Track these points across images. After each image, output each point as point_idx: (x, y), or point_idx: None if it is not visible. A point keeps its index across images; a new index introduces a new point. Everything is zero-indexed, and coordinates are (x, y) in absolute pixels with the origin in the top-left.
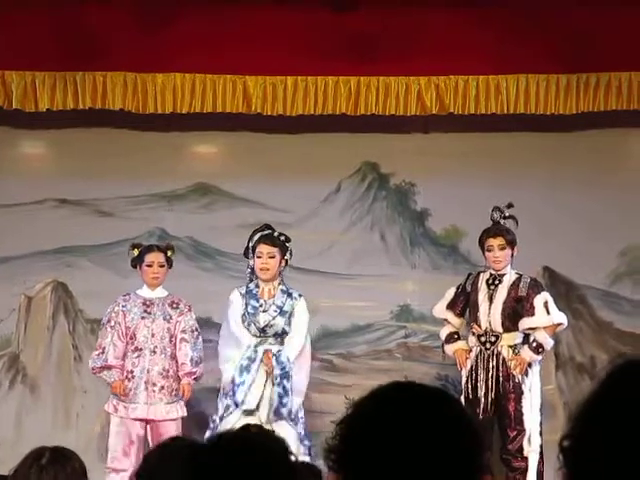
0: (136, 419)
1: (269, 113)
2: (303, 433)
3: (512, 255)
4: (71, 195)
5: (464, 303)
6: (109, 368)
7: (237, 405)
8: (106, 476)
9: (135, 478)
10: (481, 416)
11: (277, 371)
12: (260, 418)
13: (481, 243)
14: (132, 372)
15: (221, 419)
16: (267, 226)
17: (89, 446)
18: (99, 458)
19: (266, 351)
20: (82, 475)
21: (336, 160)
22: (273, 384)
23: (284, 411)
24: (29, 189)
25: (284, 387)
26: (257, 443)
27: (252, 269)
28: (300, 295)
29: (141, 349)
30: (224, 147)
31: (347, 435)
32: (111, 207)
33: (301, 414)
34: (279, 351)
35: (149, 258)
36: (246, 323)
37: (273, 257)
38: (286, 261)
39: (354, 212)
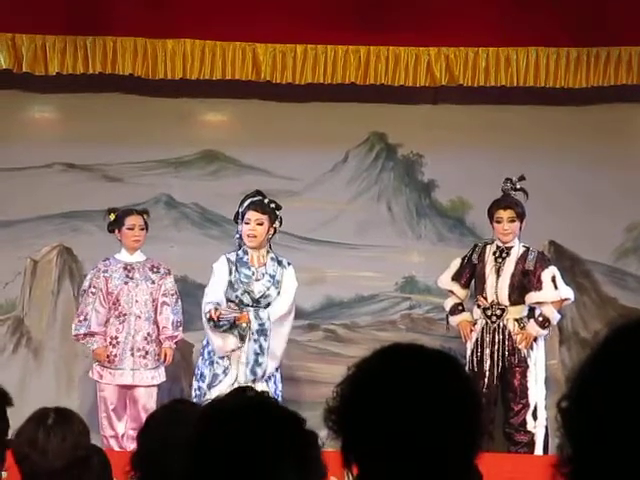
0: (123, 386)
1: (278, 81)
2: None
3: (520, 228)
4: (79, 160)
5: (470, 274)
6: (92, 335)
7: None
8: (102, 441)
9: (138, 440)
10: (485, 390)
11: (255, 326)
12: (238, 378)
13: (490, 214)
14: (116, 338)
15: (210, 387)
16: (258, 192)
17: (92, 411)
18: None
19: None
20: (86, 435)
21: (344, 130)
22: (249, 340)
23: (259, 371)
24: (37, 153)
25: (260, 346)
26: (260, 406)
27: (240, 235)
28: (289, 263)
29: (125, 314)
30: (232, 114)
31: (347, 395)
32: (118, 172)
33: (280, 387)
34: (258, 309)
35: (130, 221)
36: (239, 292)
37: (261, 224)
38: (275, 229)
39: (361, 182)
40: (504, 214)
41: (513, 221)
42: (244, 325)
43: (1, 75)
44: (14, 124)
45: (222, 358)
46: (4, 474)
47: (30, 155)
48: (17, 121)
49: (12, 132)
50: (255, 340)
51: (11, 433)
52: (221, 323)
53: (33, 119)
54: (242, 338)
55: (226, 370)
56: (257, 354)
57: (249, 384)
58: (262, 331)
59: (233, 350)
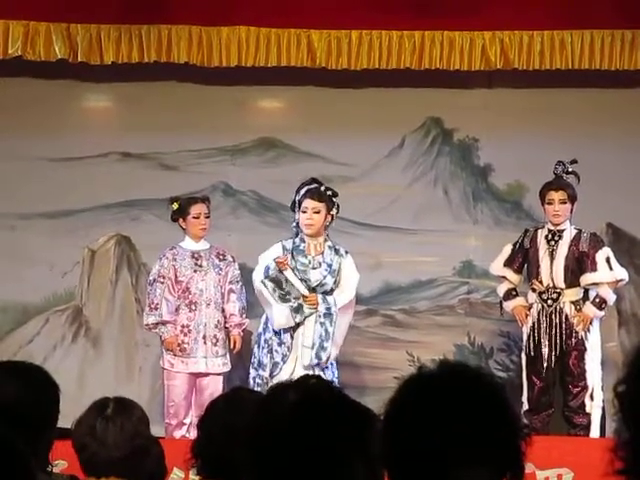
0: (194, 374)
1: (333, 67)
2: None
3: (572, 211)
4: (135, 149)
5: (522, 259)
6: (164, 324)
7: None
8: (166, 430)
9: (199, 428)
10: (544, 373)
11: (322, 309)
12: (302, 361)
13: (542, 196)
14: (188, 326)
15: (272, 376)
16: (314, 180)
17: (152, 400)
18: (162, 411)
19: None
20: (146, 425)
21: (400, 115)
22: (315, 322)
23: (323, 355)
24: (93, 142)
25: (326, 330)
26: (323, 393)
27: (298, 223)
28: (347, 252)
29: (196, 302)
30: (288, 101)
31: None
32: (175, 161)
33: (336, 374)
34: (326, 293)
35: (195, 209)
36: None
37: (318, 212)
38: (332, 216)
39: (417, 167)
40: (555, 195)
41: (564, 203)
42: (307, 310)
43: (57, 65)
44: (70, 114)
45: (280, 345)
46: (64, 463)
47: (86, 145)
48: (73, 111)
49: (68, 122)
50: (321, 324)
51: (71, 423)
52: (287, 296)
53: (89, 109)
54: (299, 315)
55: (284, 358)
56: (322, 339)
57: (310, 369)
58: (329, 315)
59: (291, 327)
